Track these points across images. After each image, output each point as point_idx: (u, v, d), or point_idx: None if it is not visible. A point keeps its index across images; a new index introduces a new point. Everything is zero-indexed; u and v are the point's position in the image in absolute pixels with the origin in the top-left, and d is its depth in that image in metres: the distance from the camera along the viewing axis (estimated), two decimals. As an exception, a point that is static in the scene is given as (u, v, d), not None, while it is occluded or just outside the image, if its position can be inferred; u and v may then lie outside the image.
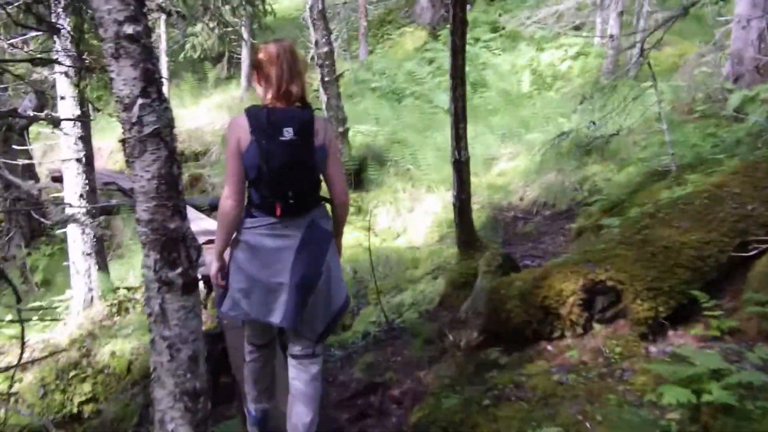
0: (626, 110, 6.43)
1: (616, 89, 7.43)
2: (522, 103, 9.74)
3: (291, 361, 3.25)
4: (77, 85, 5.82)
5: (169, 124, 2.08)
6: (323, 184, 3.09)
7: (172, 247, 2.14)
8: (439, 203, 7.48)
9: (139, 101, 1.98)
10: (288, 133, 2.89)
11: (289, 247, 3.04)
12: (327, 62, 7.69)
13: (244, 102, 12.49)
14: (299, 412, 3.22)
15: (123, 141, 2.05)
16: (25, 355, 5.82)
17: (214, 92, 13.65)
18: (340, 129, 7.79)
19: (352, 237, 7.37)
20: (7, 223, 9.69)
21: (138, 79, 1.97)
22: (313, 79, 12.82)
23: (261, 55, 2.97)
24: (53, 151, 15.01)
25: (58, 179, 12.89)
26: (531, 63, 10.77)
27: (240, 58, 13.20)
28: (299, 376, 3.23)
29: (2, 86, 8.50)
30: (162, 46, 12.43)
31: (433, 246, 6.97)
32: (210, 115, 12.24)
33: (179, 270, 2.15)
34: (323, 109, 7.82)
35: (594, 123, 5.90)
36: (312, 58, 8.10)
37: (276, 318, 3.05)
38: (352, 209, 7.72)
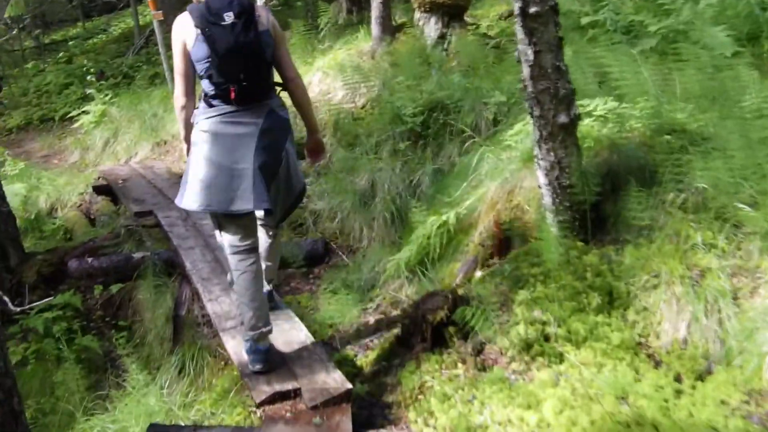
0: None
1: None
2: None
3: None
4: None
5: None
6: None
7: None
8: (810, 287, 3.16)
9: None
10: (229, 17, 3.09)
11: (250, 133, 3.26)
12: (532, -25, 3.48)
13: (377, 60, 8.50)
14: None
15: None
16: None
17: (330, 46, 9.52)
18: (563, 119, 3.59)
19: (607, 368, 3.23)
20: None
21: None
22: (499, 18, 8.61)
23: None
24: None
25: (101, 190, 9.34)
26: None
27: (369, -6, 8.88)
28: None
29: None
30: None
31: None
32: (325, 82, 8.22)
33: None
34: (526, 76, 3.64)
35: None
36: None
37: (242, 204, 3.25)
38: (596, 299, 3.55)
